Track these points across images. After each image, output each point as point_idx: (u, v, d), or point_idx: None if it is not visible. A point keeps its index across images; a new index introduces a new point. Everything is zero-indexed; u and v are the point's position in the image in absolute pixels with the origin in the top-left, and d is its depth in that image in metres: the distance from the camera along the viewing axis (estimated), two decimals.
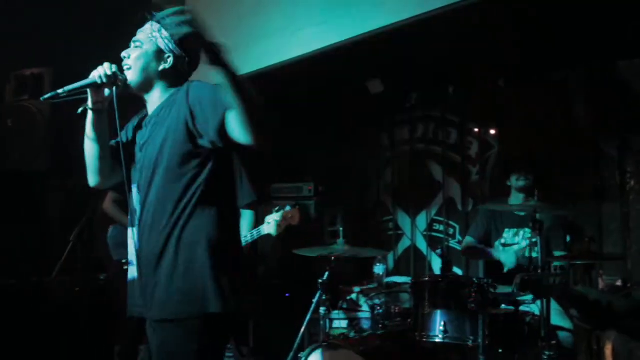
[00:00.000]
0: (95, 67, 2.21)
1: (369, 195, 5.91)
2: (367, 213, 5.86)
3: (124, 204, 4.06)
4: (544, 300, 3.17)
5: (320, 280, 3.80)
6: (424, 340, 3.33)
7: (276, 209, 3.56)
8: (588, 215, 4.37)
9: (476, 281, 3.25)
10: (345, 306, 4.53)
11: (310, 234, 5.50)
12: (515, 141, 4.92)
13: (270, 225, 3.53)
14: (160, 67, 2.21)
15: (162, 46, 2.21)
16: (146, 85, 2.23)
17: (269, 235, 3.57)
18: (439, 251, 3.39)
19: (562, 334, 3.70)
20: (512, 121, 4.94)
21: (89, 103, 2.20)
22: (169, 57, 2.21)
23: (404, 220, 5.67)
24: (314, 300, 3.81)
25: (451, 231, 5.31)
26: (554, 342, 3.34)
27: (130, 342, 3.95)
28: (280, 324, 4.94)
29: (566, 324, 3.79)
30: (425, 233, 5.48)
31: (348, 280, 4.85)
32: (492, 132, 5.14)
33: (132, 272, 2.33)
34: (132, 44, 2.25)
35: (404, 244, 5.64)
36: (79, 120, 2.27)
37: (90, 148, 2.28)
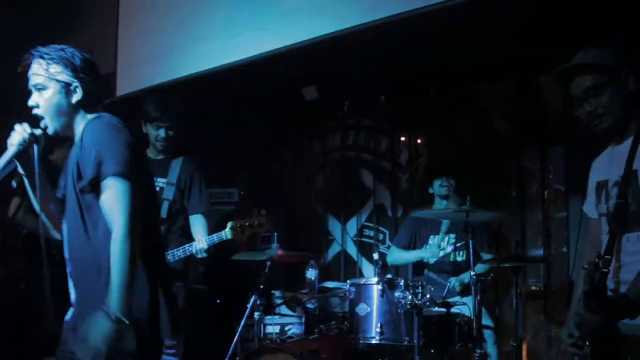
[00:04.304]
0: None
1: (300, 201, 5.95)
2: (298, 219, 5.89)
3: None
4: (476, 302, 3.33)
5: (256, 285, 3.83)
6: (361, 342, 3.42)
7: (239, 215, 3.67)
8: (510, 222, 4.61)
9: (411, 284, 3.37)
10: (279, 311, 4.54)
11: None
12: (442, 150, 5.12)
13: (235, 231, 3.61)
14: (74, 100, 2.17)
15: (66, 79, 2.16)
16: (68, 124, 2.19)
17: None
18: (376, 255, 3.48)
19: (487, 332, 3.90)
20: (440, 131, 5.13)
21: (21, 170, 2.13)
22: (76, 87, 2.17)
23: (334, 226, 5.75)
24: (249, 306, 3.82)
25: (381, 237, 5.43)
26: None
27: None
28: (212, 331, 4.89)
29: (490, 322, 3.99)
30: (355, 239, 5.58)
31: (281, 285, 4.86)
32: (421, 140, 5.31)
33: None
34: (34, 90, 2.18)
35: (335, 249, 5.72)
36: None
37: (43, 208, 2.22)
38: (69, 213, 2.17)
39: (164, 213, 3.69)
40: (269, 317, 4.39)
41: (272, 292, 4.77)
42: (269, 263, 3.89)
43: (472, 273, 3.34)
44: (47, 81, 2.15)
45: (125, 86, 4.42)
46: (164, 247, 2.33)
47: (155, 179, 3.75)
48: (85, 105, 2.19)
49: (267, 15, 3.71)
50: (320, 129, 5.79)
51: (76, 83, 2.16)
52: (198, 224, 3.77)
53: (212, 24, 3.95)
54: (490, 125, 4.86)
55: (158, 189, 3.74)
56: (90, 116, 2.19)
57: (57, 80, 2.15)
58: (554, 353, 4.36)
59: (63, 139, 2.29)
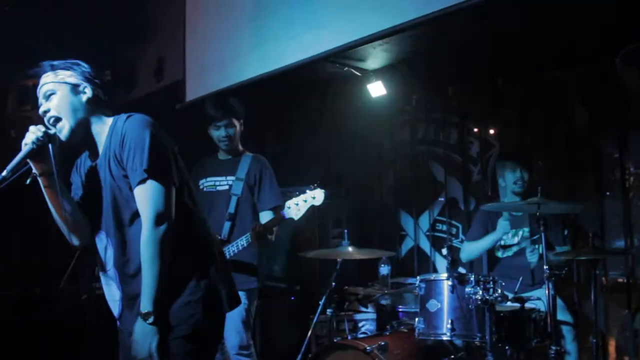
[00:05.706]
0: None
1: (371, 197, 5.94)
2: (370, 214, 5.88)
3: None
4: (550, 296, 3.21)
5: (329, 282, 3.84)
6: (432, 338, 3.38)
7: (296, 193, 3.49)
8: (588, 212, 4.39)
9: (482, 279, 3.29)
10: (351, 307, 4.56)
11: (314, 237, 5.54)
12: (514, 140, 4.96)
13: (291, 209, 3.44)
14: (84, 99, 2.22)
15: (74, 81, 2.22)
16: (84, 122, 2.23)
17: (290, 220, 3.49)
18: (445, 249, 3.40)
19: (565, 328, 3.76)
20: (511, 121, 4.98)
21: (35, 171, 2.17)
22: (85, 87, 2.23)
23: (406, 221, 5.70)
24: (321, 302, 3.84)
25: (454, 230, 5.34)
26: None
27: None
28: (286, 327, 4.97)
29: (568, 318, 3.84)
30: (428, 233, 5.51)
31: (353, 282, 4.87)
32: (492, 131, 5.18)
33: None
34: (44, 99, 2.23)
35: (407, 244, 5.67)
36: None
37: (58, 212, 2.25)
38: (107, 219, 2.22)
39: (231, 208, 3.71)
40: (342, 313, 4.41)
41: (345, 288, 4.79)
42: (339, 260, 3.89)
43: (545, 267, 3.22)
44: (56, 85, 2.21)
45: (193, 91, 4.56)
46: (207, 229, 2.38)
47: (224, 177, 3.85)
48: (97, 107, 2.25)
49: (325, 14, 3.71)
50: (389, 124, 5.74)
51: (85, 84, 2.24)
52: (267, 220, 3.66)
53: (272, 26, 3.99)
54: (564, 111, 4.67)
55: (227, 186, 3.79)
56: (121, 117, 2.23)
57: (66, 83, 2.21)
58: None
59: (75, 148, 2.31)
